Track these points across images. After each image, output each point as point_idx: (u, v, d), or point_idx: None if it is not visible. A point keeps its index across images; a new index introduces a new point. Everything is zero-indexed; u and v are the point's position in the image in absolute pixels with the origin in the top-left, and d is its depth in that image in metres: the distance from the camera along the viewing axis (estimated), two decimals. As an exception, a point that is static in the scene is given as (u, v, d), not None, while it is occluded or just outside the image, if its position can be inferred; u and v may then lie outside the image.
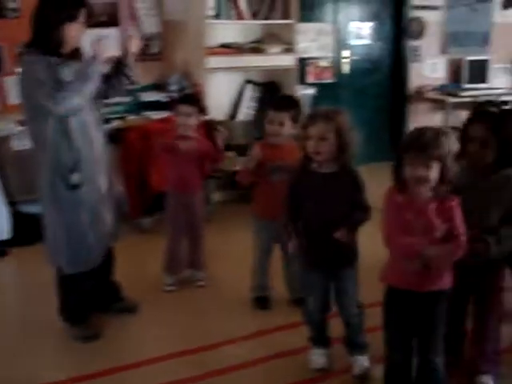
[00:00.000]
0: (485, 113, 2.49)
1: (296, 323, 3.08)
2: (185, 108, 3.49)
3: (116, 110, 4.70)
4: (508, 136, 2.36)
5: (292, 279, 3.38)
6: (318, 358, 2.83)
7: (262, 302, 3.43)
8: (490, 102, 3.98)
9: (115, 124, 4.54)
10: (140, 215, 4.64)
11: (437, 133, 2.14)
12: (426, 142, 2.10)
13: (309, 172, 2.61)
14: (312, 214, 2.61)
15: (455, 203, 2.18)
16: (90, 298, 3.20)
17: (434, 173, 2.12)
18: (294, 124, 3.12)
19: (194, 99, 3.71)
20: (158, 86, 5.14)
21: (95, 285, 3.21)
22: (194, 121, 3.51)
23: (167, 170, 3.62)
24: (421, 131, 2.18)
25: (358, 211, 2.56)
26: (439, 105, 6.72)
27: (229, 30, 5.35)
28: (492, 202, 2.40)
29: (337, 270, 2.66)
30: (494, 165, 2.40)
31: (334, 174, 2.56)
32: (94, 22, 4.45)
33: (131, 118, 4.77)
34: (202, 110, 3.63)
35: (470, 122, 2.46)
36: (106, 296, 3.36)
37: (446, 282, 2.28)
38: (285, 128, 3.12)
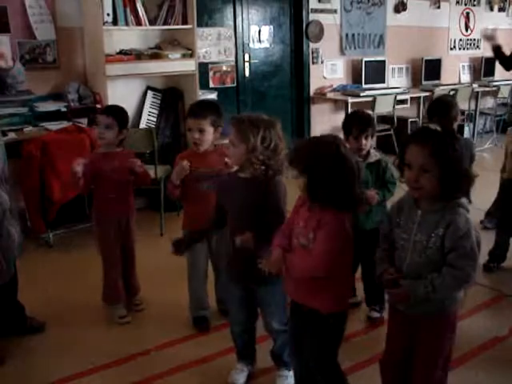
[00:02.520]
0: (424, 133, 2.12)
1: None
2: (104, 119, 3.30)
3: (11, 122, 4.59)
4: (451, 161, 2.00)
5: (221, 290, 3.36)
6: (236, 373, 2.82)
7: (200, 322, 3.36)
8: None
9: (11, 136, 4.42)
10: (43, 230, 4.55)
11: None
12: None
13: (232, 177, 2.60)
14: (230, 220, 2.60)
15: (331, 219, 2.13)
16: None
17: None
18: (215, 129, 3.08)
19: (114, 109, 3.44)
20: (56, 96, 5.05)
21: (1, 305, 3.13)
22: (113, 133, 3.30)
23: (94, 192, 3.41)
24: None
25: (270, 216, 2.46)
26: (340, 105, 7.00)
27: (127, 36, 5.35)
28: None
29: (254, 284, 2.59)
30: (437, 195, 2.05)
31: (251, 179, 2.50)
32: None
33: (28, 129, 4.66)
34: (124, 121, 3.38)
35: (406, 144, 2.09)
36: (10, 316, 3.26)
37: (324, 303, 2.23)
38: (206, 134, 3.07)
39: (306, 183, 2.11)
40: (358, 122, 3.22)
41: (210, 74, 6.20)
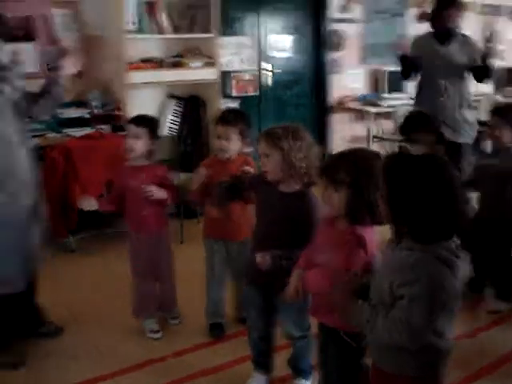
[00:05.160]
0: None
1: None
2: (134, 128, 3.17)
3: (35, 128, 4.65)
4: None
5: (241, 297, 3.32)
6: (253, 382, 2.82)
7: (215, 329, 3.38)
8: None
9: (34, 142, 4.48)
10: (65, 235, 4.61)
11: None
12: None
13: (271, 189, 2.57)
14: (258, 229, 2.65)
15: None
16: (12, 323, 3.14)
17: None
18: (242, 139, 3.12)
19: (144, 118, 3.27)
20: (79, 103, 5.13)
21: (18, 308, 3.16)
22: (143, 144, 3.17)
23: (125, 208, 3.31)
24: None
25: (303, 231, 2.43)
26: (360, 114, 7.00)
27: (150, 45, 5.43)
28: None
29: (275, 289, 2.53)
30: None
31: (292, 194, 2.52)
32: (9, 36, 4.48)
33: (51, 135, 4.74)
34: (155, 131, 3.24)
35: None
36: (29, 320, 3.30)
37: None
38: (232, 143, 3.09)
39: (348, 198, 2.05)
40: None
41: (233, 82, 6.23)
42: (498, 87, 8.68)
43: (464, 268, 1.78)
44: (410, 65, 4.73)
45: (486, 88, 8.55)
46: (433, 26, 4.71)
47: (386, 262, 1.84)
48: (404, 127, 4.01)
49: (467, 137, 4.78)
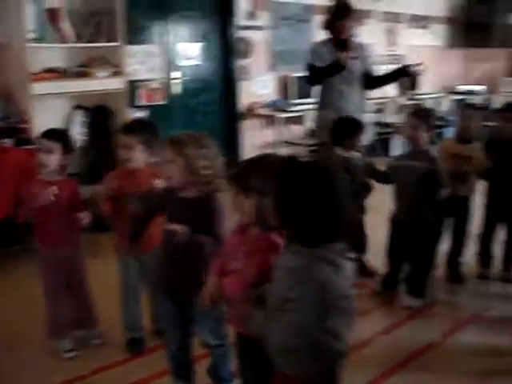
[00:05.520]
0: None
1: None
2: (45, 143, 3.08)
3: None
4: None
5: (156, 308, 3.26)
6: None
7: (133, 344, 3.31)
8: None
9: None
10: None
11: None
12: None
13: (173, 197, 2.56)
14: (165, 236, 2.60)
15: None
16: None
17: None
18: (147, 148, 3.06)
19: (58, 133, 3.22)
20: (-22, 115, 4.90)
21: None
22: (56, 159, 3.08)
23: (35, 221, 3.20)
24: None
25: (208, 239, 2.46)
26: (270, 120, 7.08)
27: (53, 54, 5.27)
28: None
29: (189, 299, 2.52)
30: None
31: (194, 199, 2.51)
32: None
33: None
34: (68, 145, 3.15)
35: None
36: None
37: None
38: (135, 152, 3.04)
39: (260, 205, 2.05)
40: None
41: (140, 91, 6.15)
42: (402, 91, 9.02)
43: (351, 268, 1.82)
44: (317, 73, 4.86)
45: (391, 91, 8.90)
46: (331, 33, 4.86)
47: (279, 266, 1.85)
48: (335, 132, 4.14)
49: (366, 138, 4.97)
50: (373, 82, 5.00)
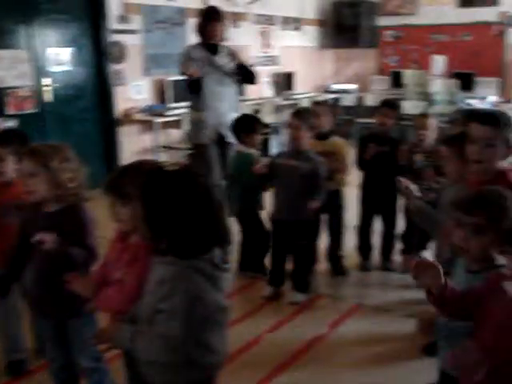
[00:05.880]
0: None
1: None
2: None
3: None
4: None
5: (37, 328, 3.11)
6: None
7: (15, 366, 3.12)
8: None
9: None
10: None
11: None
12: None
13: (36, 212, 2.45)
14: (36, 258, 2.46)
15: None
16: None
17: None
18: (19, 160, 2.82)
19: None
20: None
21: None
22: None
23: None
24: None
25: (78, 250, 2.37)
26: (148, 125, 6.98)
27: None
28: None
29: (61, 318, 2.48)
30: None
31: (58, 213, 2.40)
32: None
33: None
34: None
35: None
36: None
37: None
38: (6, 164, 2.89)
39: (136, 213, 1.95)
40: None
41: (8, 99, 5.85)
42: (278, 91, 9.23)
43: (227, 279, 1.84)
44: (195, 82, 4.93)
45: (267, 92, 9.08)
46: (201, 37, 4.97)
47: (150, 277, 1.83)
48: (236, 129, 4.21)
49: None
50: (244, 77, 5.16)
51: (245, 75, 5.10)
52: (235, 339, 3.25)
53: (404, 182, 2.92)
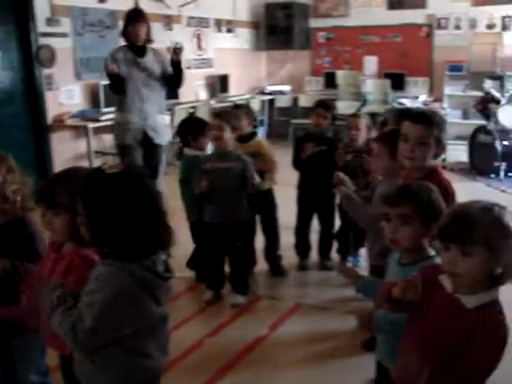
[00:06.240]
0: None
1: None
2: None
3: None
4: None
5: None
6: None
7: None
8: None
9: None
10: None
11: None
12: None
13: None
14: None
15: None
16: None
17: None
18: None
19: None
20: None
21: None
22: None
23: None
24: None
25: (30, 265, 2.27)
26: (81, 131, 6.84)
27: None
28: None
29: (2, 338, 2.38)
30: None
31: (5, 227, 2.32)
32: None
33: None
34: None
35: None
36: None
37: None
38: None
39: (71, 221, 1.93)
40: None
41: None
42: (213, 94, 9.23)
43: (168, 288, 1.83)
44: (119, 80, 4.95)
45: (202, 95, 9.07)
46: (126, 39, 5.01)
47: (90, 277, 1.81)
48: (182, 132, 4.16)
49: (166, 139, 5.37)
50: (171, 81, 5.20)
51: (174, 76, 5.12)
52: (177, 344, 3.23)
53: (339, 175, 3.00)
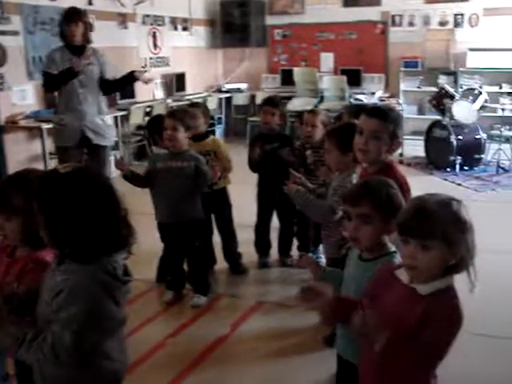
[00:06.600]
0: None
1: None
2: None
3: None
4: None
5: None
6: None
7: None
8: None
9: None
10: None
11: None
12: None
13: None
14: None
15: None
16: None
17: None
18: None
19: None
20: None
21: None
22: None
23: None
24: None
25: None
26: (35, 132, 6.71)
27: None
28: None
29: None
30: None
31: None
32: None
33: None
34: None
35: None
36: None
37: None
38: None
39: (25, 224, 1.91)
40: None
41: None
42: (170, 93, 9.18)
43: (127, 291, 1.82)
44: (53, 79, 4.97)
45: (159, 94, 9.01)
46: (63, 40, 4.96)
47: (47, 285, 1.78)
48: (149, 131, 4.17)
49: (110, 140, 5.32)
50: (107, 86, 5.20)
51: (116, 85, 5.20)
52: (139, 345, 3.26)
53: (294, 175, 3.03)
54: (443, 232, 1.61)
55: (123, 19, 8.30)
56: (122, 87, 5.28)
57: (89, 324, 1.68)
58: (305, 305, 1.83)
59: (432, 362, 1.71)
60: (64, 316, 1.67)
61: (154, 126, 4.17)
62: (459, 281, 1.69)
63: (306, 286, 1.84)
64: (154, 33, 9.09)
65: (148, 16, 8.86)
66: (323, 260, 3.92)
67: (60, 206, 1.68)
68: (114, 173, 5.19)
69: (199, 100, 8.23)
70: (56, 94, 5.28)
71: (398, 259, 1.92)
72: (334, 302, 1.78)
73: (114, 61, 7.82)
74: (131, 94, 8.13)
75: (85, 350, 1.71)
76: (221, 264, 4.41)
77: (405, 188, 2.44)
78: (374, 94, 9.13)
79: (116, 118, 7.61)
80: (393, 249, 2.03)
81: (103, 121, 5.19)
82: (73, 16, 4.87)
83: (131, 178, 3.76)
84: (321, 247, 4.28)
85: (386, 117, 2.56)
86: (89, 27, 5.10)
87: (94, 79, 5.03)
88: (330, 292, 1.78)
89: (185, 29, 9.83)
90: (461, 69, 8.81)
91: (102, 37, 7.65)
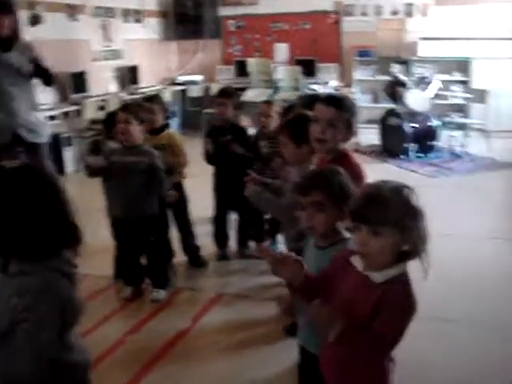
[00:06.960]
0: None
1: None
2: None
3: None
4: None
5: None
6: None
7: None
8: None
9: None
10: None
11: None
12: None
13: None
14: None
15: None
16: None
17: None
18: None
19: None
20: None
21: None
22: None
23: None
24: None
25: None
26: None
27: None
28: None
29: None
30: None
31: None
32: None
33: None
34: None
35: None
36: None
37: None
38: None
39: None
40: None
41: None
42: (123, 86, 9.08)
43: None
44: None
45: (112, 87, 8.90)
46: None
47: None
48: (106, 126, 4.12)
49: (45, 136, 5.04)
50: (44, 78, 4.89)
51: (39, 73, 4.83)
52: (98, 343, 3.23)
53: (251, 176, 3.04)
54: (395, 218, 1.63)
55: (73, 11, 8.14)
56: (43, 74, 4.96)
57: (63, 316, 1.67)
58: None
59: (386, 349, 1.75)
60: (33, 317, 1.63)
61: (111, 120, 4.11)
62: (412, 264, 1.73)
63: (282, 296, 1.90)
64: (105, 25, 8.95)
65: (99, 8, 8.72)
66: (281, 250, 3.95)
67: (5, 202, 1.65)
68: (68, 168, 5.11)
69: (154, 93, 8.16)
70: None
71: (352, 246, 1.94)
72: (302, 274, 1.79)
73: (64, 54, 7.75)
74: (83, 88, 8.01)
75: (57, 345, 1.69)
76: (180, 257, 4.39)
77: (360, 175, 2.48)
78: (327, 83, 9.19)
79: (68, 113, 7.50)
80: (347, 236, 2.06)
81: (36, 117, 4.96)
82: (2, 7, 4.53)
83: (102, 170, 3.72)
84: (279, 237, 4.31)
85: (341, 105, 2.59)
86: (18, 20, 4.77)
87: (24, 75, 4.74)
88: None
89: (137, 21, 9.72)
90: (412, 58, 8.94)
91: (51, 29, 7.54)
